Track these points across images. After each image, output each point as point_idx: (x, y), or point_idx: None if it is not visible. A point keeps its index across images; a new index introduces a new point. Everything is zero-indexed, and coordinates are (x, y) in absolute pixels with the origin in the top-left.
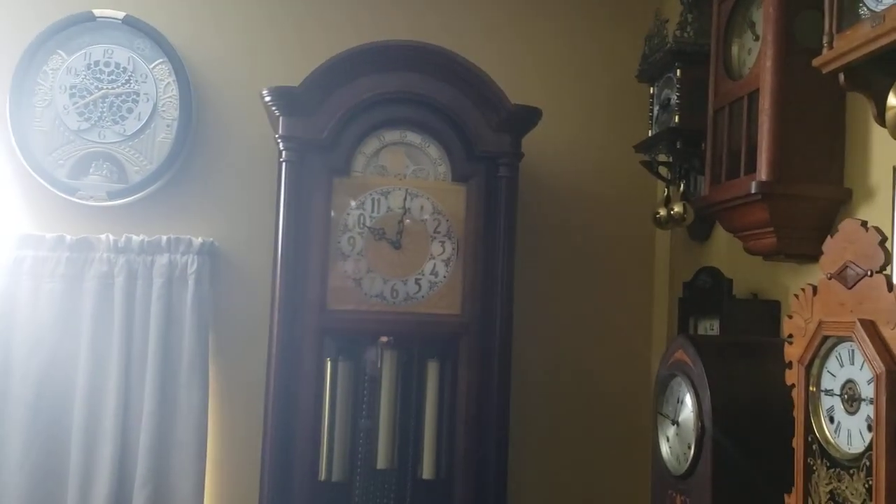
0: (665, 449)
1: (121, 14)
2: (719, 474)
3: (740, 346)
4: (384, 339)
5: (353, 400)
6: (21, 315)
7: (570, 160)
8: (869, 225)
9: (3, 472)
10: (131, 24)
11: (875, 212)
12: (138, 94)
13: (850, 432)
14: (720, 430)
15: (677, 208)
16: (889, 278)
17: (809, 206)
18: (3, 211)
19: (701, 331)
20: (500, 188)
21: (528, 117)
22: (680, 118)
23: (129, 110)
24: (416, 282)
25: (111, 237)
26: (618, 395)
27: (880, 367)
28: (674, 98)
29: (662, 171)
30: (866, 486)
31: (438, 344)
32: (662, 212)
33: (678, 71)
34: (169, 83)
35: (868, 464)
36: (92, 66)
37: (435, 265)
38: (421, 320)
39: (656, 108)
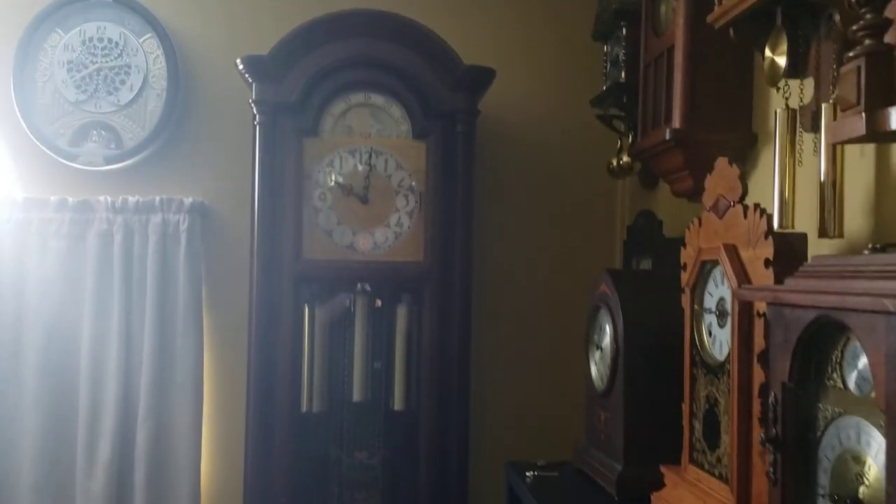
0: (594, 371)
1: None
2: (630, 390)
3: (653, 278)
4: (359, 286)
5: (330, 340)
6: (31, 271)
7: (536, 116)
8: (732, 162)
9: (21, 410)
10: (121, 1)
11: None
12: (130, 67)
13: (721, 343)
14: (632, 352)
15: (626, 158)
16: (745, 207)
17: (720, 151)
18: (11, 177)
19: (642, 268)
20: (458, 144)
21: (482, 77)
22: (626, 74)
23: (122, 82)
24: (383, 233)
25: (109, 199)
26: (575, 331)
27: (735, 283)
28: (621, 55)
29: (617, 124)
30: (727, 386)
31: (405, 288)
32: (615, 162)
33: (623, 29)
34: (157, 56)
35: (728, 367)
36: (87, 42)
37: (400, 217)
38: (388, 268)
39: (609, 65)
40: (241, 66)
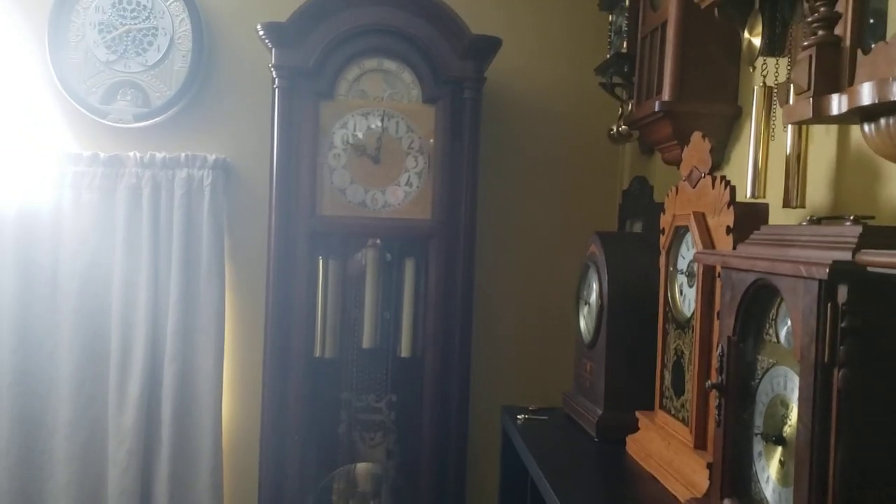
0: (582, 325)
1: None
2: (612, 342)
3: (638, 240)
4: (370, 241)
5: (342, 291)
6: (66, 221)
7: (541, 82)
8: (705, 136)
9: (58, 351)
10: None
11: None
12: (157, 29)
13: (689, 301)
14: (615, 308)
15: (624, 126)
16: (714, 178)
17: (707, 122)
18: (47, 133)
19: (633, 231)
20: (465, 109)
21: (489, 45)
22: (628, 44)
23: (150, 43)
24: (393, 191)
25: (138, 154)
26: (571, 288)
27: (700, 247)
28: (624, 25)
29: (619, 91)
30: (692, 339)
31: (413, 244)
32: (615, 129)
33: (627, 1)
34: (183, 18)
35: (693, 323)
36: (116, 4)
37: (409, 177)
38: (397, 224)
39: (612, 35)
40: (261, 32)
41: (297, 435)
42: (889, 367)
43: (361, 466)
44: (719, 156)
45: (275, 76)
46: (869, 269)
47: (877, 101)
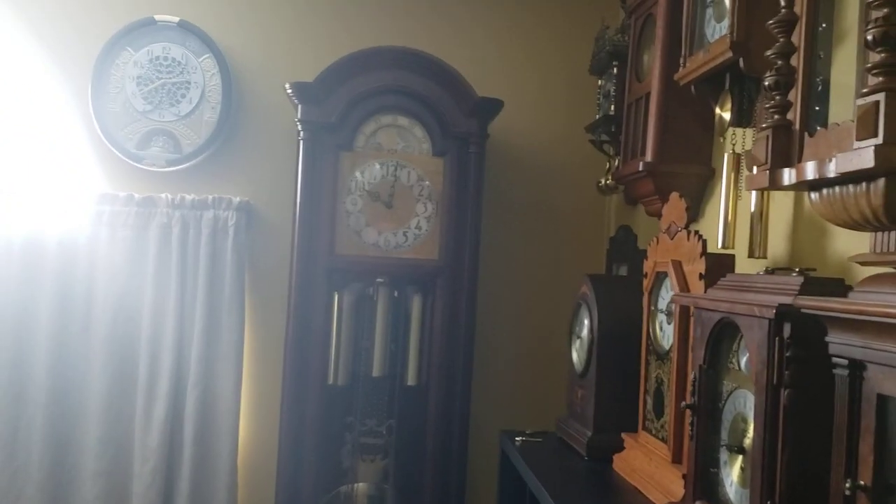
0: (574, 356)
1: (176, 19)
2: (602, 372)
3: (624, 282)
4: (380, 279)
5: (355, 323)
6: (101, 256)
7: (537, 138)
8: (681, 196)
9: (90, 375)
10: (184, 26)
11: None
12: (189, 83)
13: (668, 336)
14: (604, 342)
15: (612, 180)
16: (689, 232)
17: (684, 181)
18: (87, 174)
19: (620, 274)
20: (471, 162)
21: (492, 106)
22: (615, 107)
23: (183, 95)
24: (404, 234)
25: (169, 196)
26: (563, 323)
27: (678, 289)
28: (612, 90)
29: (606, 148)
30: (670, 369)
31: (421, 282)
32: (603, 181)
33: (615, 68)
34: (213, 74)
35: (671, 354)
36: (153, 60)
37: (419, 221)
38: (407, 263)
39: (601, 98)
40: (289, 91)
41: (312, 456)
42: (822, 386)
43: (361, 487)
44: (695, 210)
45: (300, 129)
46: (803, 310)
47: (817, 177)
